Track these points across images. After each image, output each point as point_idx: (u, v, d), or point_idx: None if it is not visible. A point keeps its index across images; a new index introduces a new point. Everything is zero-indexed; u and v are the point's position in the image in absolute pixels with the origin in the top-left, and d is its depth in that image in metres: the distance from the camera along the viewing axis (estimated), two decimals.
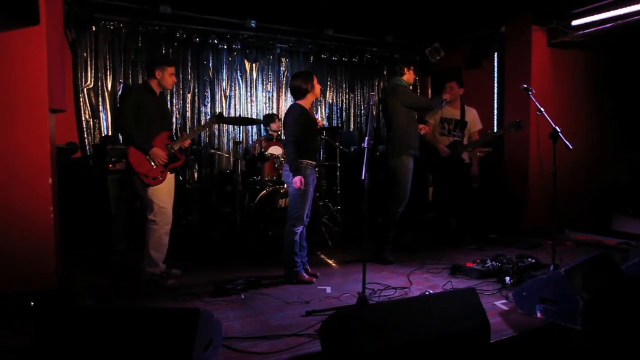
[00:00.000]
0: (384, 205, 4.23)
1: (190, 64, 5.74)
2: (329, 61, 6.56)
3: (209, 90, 5.87)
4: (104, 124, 5.26)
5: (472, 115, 4.80)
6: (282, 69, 6.33)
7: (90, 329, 1.95)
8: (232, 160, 5.77)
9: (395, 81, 4.30)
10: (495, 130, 5.65)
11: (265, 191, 4.65)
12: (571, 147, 3.51)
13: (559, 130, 3.56)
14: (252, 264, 4.16)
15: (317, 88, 3.63)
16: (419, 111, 4.41)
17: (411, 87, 4.44)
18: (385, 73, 7.10)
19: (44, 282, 3.00)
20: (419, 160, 4.33)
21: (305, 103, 3.60)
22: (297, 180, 3.41)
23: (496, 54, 5.79)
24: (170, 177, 3.56)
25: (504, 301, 3.07)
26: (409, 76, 4.28)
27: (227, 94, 6.00)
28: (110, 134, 5.21)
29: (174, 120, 5.65)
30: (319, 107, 6.65)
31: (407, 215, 4.36)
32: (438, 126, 4.78)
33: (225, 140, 6.00)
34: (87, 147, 5.10)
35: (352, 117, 6.92)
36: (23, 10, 2.76)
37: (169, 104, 5.58)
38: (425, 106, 4.39)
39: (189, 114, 5.77)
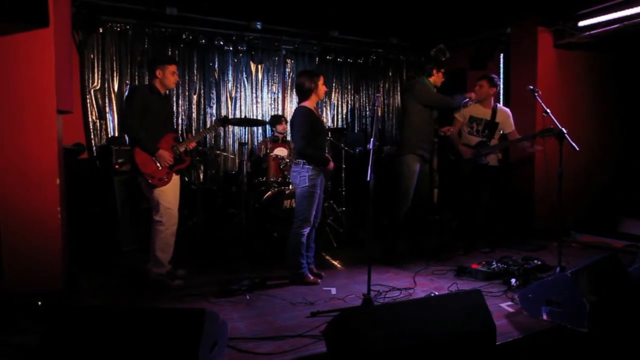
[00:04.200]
0: (389, 206, 4.20)
1: (195, 65, 5.77)
2: (334, 62, 6.57)
3: (214, 92, 5.90)
4: (110, 125, 5.29)
5: (504, 116, 4.51)
6: (287, 70, 6.35)
7: (96, 328, 1.96)
8: (237, 161, 5.78)
9: (417, 79, 4.24)
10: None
11: (270, 192, 4.66)
12: (577, 149, 3.49)
13: (565, 131, 3.55)
14: (257, 264, 4.17)
15: (321, 89, 3.56)
16: (440, 110, 4.26)
17: (435, 90, 4.29)
18: (390, 74, 7.09)
19: (50, 282, 3.03)
20: (427, 160, 4.28)
21: (310, 104, 3.56)
22: (332, 167, 3.59)
23: (502, 55, 5.78)
24: (176, 178, 3.57)
25: (510, 303, 3.06)
26: (436, 78, 4.19)
27: (233, 95, 6.02)
28: (116, 134, 5.24)
29: (180, 121, 5.68)
30: (325, 108, 6.65)
31: (416, 217, 4.33)
32: (466, 125, 4.54)
33: (230, 141, 6.02)
34: (94, 148, 5.13)
35: (357, 118, 6.92)
36: (32, 12, 2.79)
37: (174, 105, 5.61)
38: (445, 105, 4.21)
39: (194, 115, 5.79)
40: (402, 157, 4.11)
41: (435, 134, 4.50)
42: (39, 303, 2.82)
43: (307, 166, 3.46)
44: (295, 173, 3.53)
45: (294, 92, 6.11)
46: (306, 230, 3.52)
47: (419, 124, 4.13)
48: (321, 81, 3.56)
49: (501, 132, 4.57)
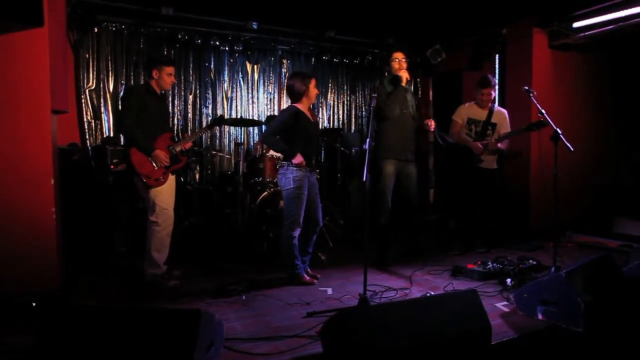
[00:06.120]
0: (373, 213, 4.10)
1: (191, 65, 5.75)
2: (330, 62, 6.57)
3: (210, 92, 5.88)
4: (105, 125, 5.27)
5: (501, 117, 4.58)
6: (284, 70, 6.34)
7: (91, 329, 1.96)
8: (233, 161, 5.77)
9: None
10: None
11: (266, 192, 4.65)
12: (572, 149, 3.51)
13: (559, 132, 3.56)
14: (253, 265, 4.16)
15: (312, 92, 3.53)
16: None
17: (406, 83, 4.31)
18: (386, 74, 7.09)
19: (46, 282, 3.01)
20: (408, 160, 4.18)
21: (302, 106, 3.54)
22: (299, 161, 3.43)
23: (497, 55, 5.79)
24: (172, 178, 3.56)
25: (505, 303, 3.07)
26: (393, 71, 4.23)
27: (229, 95, 6.01)
28: (111, 134, 5.22)
29: (175, 121, 5.66)
30: (321, 109, 6.65)
31: (412, 217, 4.32)
32: (465, 127, 4.58)
33: (226, 141, 6.00)
34: (89, 148, 5.11)
35: (353, 119, 6.92)
36: (27, 11, 2.77)
37: (170, 105, 5.60)
38: (382, 110, 4.07)
39: (190, 115, 5.78)
40: (377, 162, 4.04)
41: (415, 132, 4.29)
42: (34, 304, 2.81)
43: (291, 168, 3.46)
44: (280, 175, 3.53)
45: None
46: (296, 232, 3.51)
47: (389, 125, 4.06)
48: (312, 84, 3.52)
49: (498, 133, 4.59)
